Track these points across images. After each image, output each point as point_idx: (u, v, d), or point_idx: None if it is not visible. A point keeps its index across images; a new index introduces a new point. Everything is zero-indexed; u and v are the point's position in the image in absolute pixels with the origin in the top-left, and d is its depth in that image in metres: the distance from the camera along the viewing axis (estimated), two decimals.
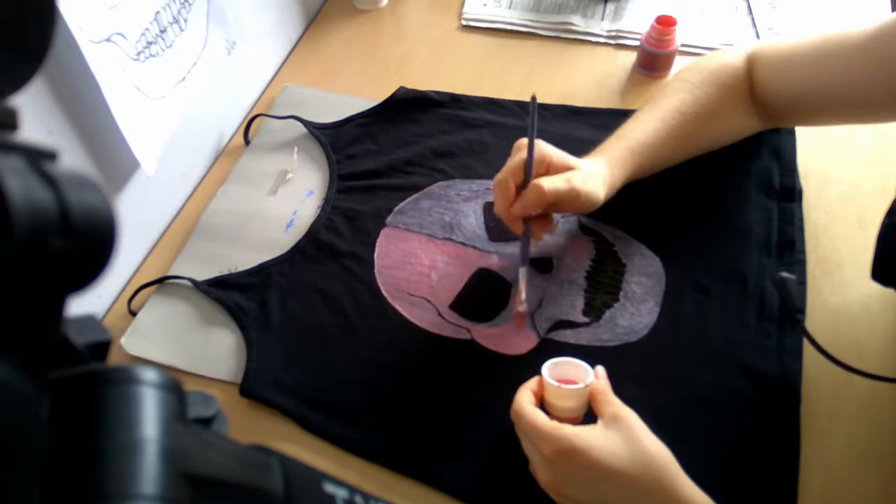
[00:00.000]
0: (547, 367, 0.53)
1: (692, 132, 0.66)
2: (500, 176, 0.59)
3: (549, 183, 0.57)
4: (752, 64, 0.66)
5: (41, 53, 0.21)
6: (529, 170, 0.59)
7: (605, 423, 0.48)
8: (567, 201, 0.58)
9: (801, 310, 0.55)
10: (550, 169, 0.60)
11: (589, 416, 0.51)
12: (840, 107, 0.63)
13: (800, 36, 0.65)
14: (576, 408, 0.51)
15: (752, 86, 0.67)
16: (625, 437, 0.46)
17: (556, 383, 0.51)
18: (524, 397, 0.51)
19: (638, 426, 0.47)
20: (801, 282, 0.64)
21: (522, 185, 0.59)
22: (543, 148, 0.60)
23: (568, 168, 0.60)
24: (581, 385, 0.51)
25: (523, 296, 0.59)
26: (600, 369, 0.54)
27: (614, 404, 0.49)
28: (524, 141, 0.60)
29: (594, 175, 0.60)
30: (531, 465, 0.51)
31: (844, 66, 0.60)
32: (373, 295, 0.66)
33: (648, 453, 0.46)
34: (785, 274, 0.56)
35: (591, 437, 0.46)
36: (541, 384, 0.53)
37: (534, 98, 0.61)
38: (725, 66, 0.67)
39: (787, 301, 0.55)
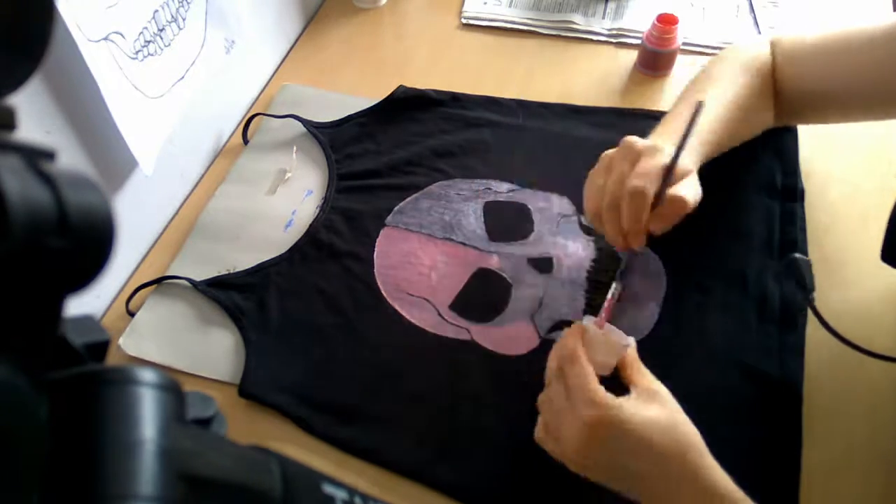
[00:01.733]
0: (590, 320, 0.53)
1: (742, 122, 0.63)
2: (635, 182, 0.52)
3: (689, 194, 0.53)
4: (777, 58, 0.65)
5: (39, 52, 0.21)
6: (668, 178, 0.53)
7: (644, 397, 0.47)
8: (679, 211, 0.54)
9: (812, 289, 0.54)
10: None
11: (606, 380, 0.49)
12: (867, 101, 0.62)
13: (818, 29, 0.63)
14: (610, 365, 0.51)
15: (776, 80, 0.65)
16: (664, 414, 0.46)
17: (601, 332, 0.50)
18: (576, 344, 0.48)
19: (674, 403, 0.47)
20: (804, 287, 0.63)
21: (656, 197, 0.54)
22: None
23: (686, 172, 0.55)
24: (628, 342, 0.51)
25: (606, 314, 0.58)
26: (632, 339, 0.53)
27: (648, 376, 0.49)
28: (631, 139, 0.55)
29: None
30: (546, 421, 0.49)
31: (873, 60, 0.58)
32: (372, 295, 0.66)
33: (686, 433, 0.45)
34: (798, 255, 0.55)
35: (633, 411, 0.45)
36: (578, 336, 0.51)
37: (699, 104, 0.54)
38: (759, 56, 0.65)
39: (801, 282, 0.54)
